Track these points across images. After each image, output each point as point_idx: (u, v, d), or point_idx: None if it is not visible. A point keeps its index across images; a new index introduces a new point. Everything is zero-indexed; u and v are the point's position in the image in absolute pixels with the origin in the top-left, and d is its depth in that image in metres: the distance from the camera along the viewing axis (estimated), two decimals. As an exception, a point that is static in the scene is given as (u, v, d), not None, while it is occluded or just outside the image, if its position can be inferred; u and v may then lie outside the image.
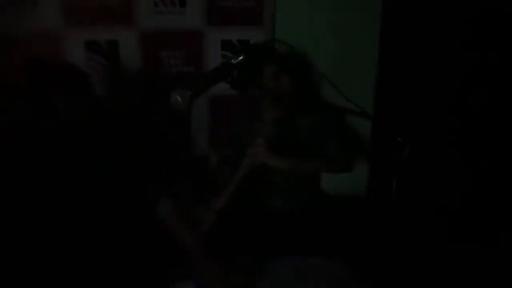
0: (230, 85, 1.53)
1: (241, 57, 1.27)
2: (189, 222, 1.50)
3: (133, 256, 1.42)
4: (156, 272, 1.40)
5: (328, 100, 1.63)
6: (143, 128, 1.81)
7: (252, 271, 1.43)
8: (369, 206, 2.09)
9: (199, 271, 1.42)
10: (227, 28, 1.94)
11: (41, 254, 1.32)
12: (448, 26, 1.78)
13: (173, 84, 1.95)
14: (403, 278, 1.59)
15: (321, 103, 1.69)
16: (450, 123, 1.76)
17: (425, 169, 1.71)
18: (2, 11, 1.68)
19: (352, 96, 1.81)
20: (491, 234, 1.56)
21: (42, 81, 1.48)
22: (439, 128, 1.80)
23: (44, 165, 1.43)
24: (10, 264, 1.27)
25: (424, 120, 1.83)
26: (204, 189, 1.78)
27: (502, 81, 1.65)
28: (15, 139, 1.46)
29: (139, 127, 1.80)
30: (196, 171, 1.87)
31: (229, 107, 1.92)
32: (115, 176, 1.53)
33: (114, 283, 1.36)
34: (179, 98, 1.15)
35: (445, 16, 1.79)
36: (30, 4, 1.70)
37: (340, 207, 1.93)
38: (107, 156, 1.58)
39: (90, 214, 1.42)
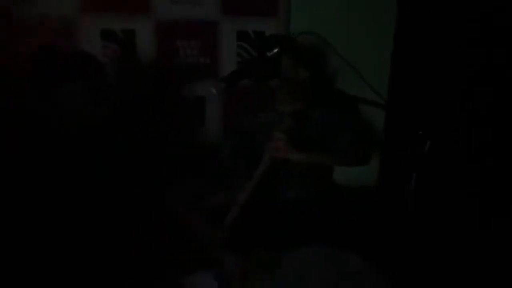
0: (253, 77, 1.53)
1: (276, 50, 1.26)
2: (207, 214, 1.50)
3: (144, 249, 1.42)
4: (169, 265, 1.41)
5: (348, 92, 1.63)
6: (156, 119, 1.81)
7: (269, 262, 1.44)
8: (380, 198, 2.11)
9: (219, 263, 1.43)
10: (242, 18, 1.93)
11: (42, 252, 1.30)
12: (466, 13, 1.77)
13: (188, 74, 1.96)
14: (416, 270, 1.61)
15: (338, 95, 1.69)
16: (467, 116, 1.77)
17: (443, 163, 1.72)
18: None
19: (365, 88, 1.82)
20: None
21: (54, 70, 1.46)
22: (456, 122, 1.81)
23: (50, 156, 1.42)
24: (9, 264, 1.26)
25: (441, 113, 1.84)
26: (216, 181, 1.79)
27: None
28: (25, 126, 1.45)
29: (152, 118, 1.79)
30: (207, 162, 1.88)
31: (241, 98, 1.92)
32: (125, 169, 1.53)
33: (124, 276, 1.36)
34: (214, 90, 1.16)
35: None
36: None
37: (353, 199, 1.95)
38: (116, 148, 1.57)
39: (100, 207, 1.41)
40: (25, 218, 1.30)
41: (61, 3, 1.71)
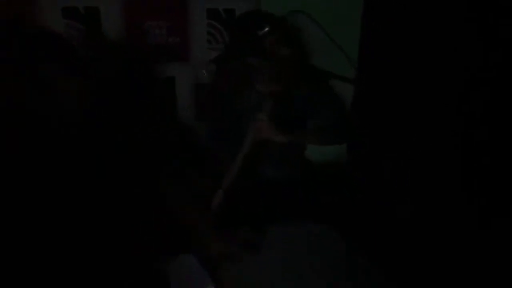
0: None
1: (266, 29, 1.23)
2: (193, 198, 1.47)
3: (131, 233, 1.37)
4: (155, 247, 1.37)
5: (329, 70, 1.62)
6: (125, 101, 1.72)
7: (252, 240, 1.45)
8: (349, 174, 2.15)
9: (205, 246, 1.41)
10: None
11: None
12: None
13: (157, 54, 1.88)
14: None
15: (319, 74, 1.68)
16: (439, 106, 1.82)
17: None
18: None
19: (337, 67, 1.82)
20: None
21: (25, 49, 1.34)
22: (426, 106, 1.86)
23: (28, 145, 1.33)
24: (8, 264, 1.19)
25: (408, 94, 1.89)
26: (193, 164, 1.75)
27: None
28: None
29: (121, 101, 1.71)
30: (183, 145, 1.83)
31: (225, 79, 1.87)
32: (102, 152, 1.46)
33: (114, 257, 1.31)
34: (205, 72, 1.11)
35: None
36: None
37: (325, 174, 1.98)
38: (93, 130, 1.49)
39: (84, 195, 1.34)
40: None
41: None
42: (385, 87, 2.05)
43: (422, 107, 1.93)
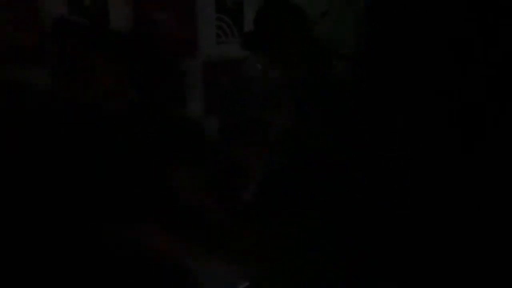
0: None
1: None
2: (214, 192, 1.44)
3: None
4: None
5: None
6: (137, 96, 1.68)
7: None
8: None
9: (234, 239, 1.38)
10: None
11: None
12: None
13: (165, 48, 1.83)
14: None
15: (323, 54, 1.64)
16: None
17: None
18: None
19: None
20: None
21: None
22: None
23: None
24: (7, 263, 1.14)
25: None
26: (204, 157, 1.71)
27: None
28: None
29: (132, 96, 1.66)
30: (193, 140, 1.79)
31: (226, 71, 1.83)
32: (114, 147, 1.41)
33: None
34: (259, 65, 1.08)
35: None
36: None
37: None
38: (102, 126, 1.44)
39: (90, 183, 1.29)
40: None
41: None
42: (387, 78, 2.02)
43: (426, 100, 1.91)
